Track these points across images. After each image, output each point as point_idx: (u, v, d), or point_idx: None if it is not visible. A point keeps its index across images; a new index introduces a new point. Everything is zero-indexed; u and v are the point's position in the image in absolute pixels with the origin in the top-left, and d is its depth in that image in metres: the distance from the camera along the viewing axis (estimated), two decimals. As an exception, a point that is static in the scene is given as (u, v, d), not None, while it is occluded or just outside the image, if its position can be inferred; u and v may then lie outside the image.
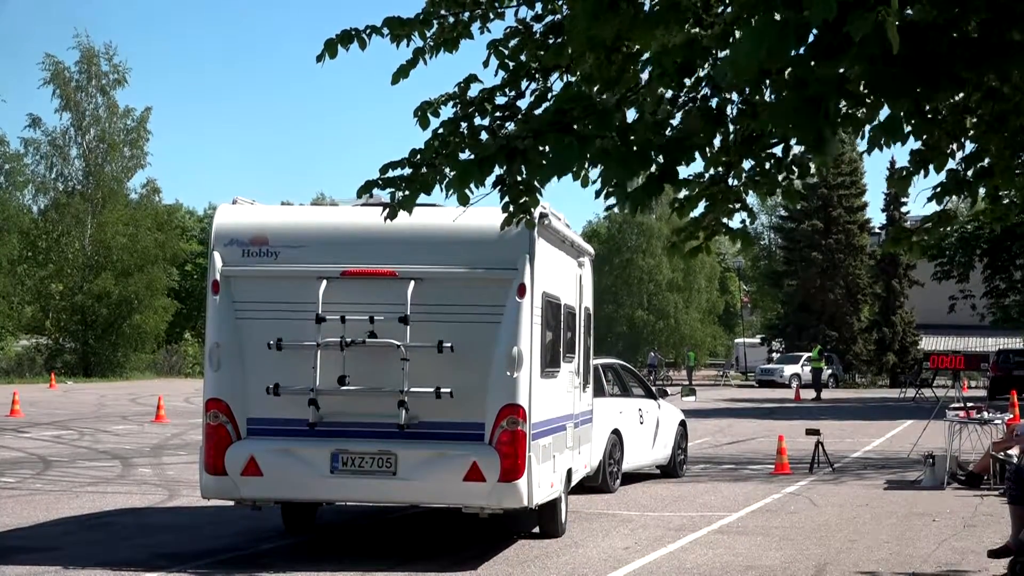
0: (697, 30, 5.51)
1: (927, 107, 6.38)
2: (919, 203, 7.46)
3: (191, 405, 32.77)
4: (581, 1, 4.74)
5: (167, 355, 60.58)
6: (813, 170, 6.71)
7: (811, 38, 4.10)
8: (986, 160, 7.26)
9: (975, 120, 6.80)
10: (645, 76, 5.91)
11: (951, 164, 7.36)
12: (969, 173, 7.38)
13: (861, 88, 4.34)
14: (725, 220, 6.81)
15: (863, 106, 4.67)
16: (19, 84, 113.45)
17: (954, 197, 7.72)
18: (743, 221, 6.99)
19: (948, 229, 7.86)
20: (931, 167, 7.13)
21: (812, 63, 4.11)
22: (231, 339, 10.92)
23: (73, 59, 55.77)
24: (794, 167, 6.39)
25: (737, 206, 6.75)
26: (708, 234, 6.82)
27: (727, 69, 4.07)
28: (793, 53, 3.90)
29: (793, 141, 5.99)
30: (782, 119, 4.35)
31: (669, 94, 6.24)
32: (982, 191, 7.66)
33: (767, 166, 6.42)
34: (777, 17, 3.92)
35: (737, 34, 5.02)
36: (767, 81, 5.27)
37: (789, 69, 4.18)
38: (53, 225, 55.60)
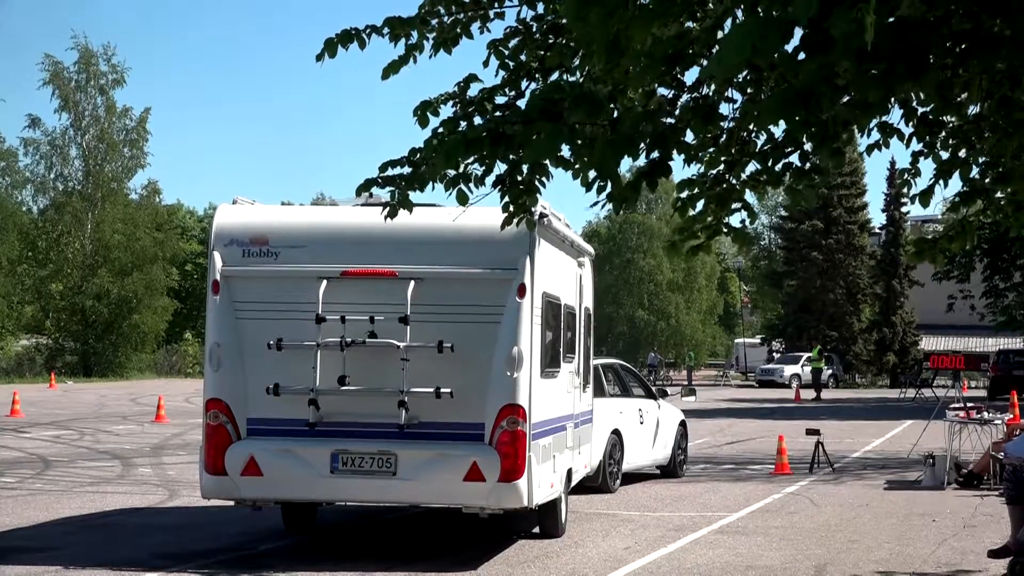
0: (690, 24, 5.52)
1: (921, 110, 6.40)
2: (922, 205, 7.36)
3: (191, 405, 32.76)
4: None
5: (167, 355, 60.58)
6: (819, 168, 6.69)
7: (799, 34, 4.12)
8: (1001, 167, 7.27)
9: (990, 126, 6.82)
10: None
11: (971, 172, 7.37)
12: (987, 180, 7.39)
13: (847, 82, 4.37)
14: (727, 219, 6.81)
15: (850, 95, 4.69)
16: (18, 85, 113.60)
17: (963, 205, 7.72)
18: (743, 221, 6.99)
19: (974, 241, 7.83)
20: (948, 175, 7.15)
21: (800, 59, 4.13)
22: (231, 339, 10.92)
23: (72, 59, 55.84)
24: (814, 174, 6.39)
25: (738, 205, 6.75)
26: (709, 233, 6.82)
27: (715, 65, 4.09)
28: (780, 50, 3.92)
29: (808, 146, 5.99)
30: (771, 113, 4.37)
31: (669, 94, 6.24)
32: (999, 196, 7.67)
33: (770, 164, 6.41)
34: (762, 14, 3.93)
35: (726, 28, 5.04)
36: (766, 83, 5.28)
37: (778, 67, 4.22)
38: (52, 225, 55.61)
